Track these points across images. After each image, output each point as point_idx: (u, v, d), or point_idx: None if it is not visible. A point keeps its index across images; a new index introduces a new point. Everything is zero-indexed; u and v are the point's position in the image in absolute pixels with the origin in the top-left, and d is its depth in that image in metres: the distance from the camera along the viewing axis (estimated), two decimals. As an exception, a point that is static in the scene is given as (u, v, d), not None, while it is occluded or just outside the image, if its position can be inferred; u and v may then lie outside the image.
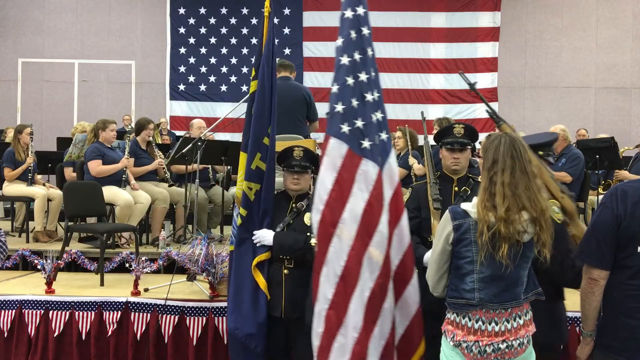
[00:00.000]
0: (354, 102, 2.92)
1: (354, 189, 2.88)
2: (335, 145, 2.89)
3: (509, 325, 2.47)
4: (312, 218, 2.98)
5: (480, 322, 2.47)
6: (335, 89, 2.95)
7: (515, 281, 2.49)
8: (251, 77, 3.78)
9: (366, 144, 2.90)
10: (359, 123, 2.91)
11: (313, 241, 3.17)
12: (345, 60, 2.95)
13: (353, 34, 2.98)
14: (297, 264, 3.55)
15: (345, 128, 2.89)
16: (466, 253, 2.49)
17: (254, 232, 3.60)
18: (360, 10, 3.01)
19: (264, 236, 3.57)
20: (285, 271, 3.56)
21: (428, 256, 2.98)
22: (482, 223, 2.43)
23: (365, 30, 3.00)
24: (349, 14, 3.00)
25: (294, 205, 3.67)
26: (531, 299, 2.57)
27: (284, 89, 5.63)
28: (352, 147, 2.89)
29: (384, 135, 3.00)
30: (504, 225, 2.40)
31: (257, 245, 3.59)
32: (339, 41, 3.00)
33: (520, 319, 2.49)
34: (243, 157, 3.69)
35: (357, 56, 2.96)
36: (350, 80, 2.93)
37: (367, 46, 3.00)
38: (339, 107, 2.91)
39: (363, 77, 2.95)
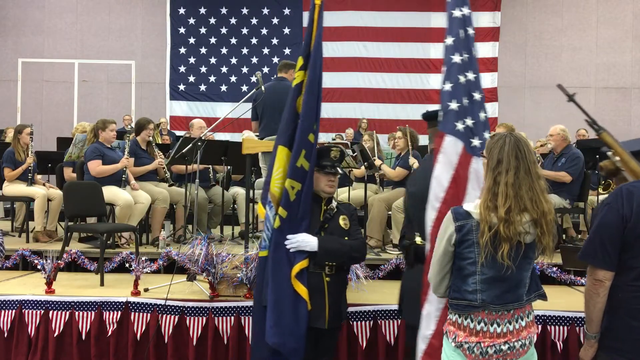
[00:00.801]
0: (465, 101, 2.97)
1: (468, 187, 2.91)
2: (452, 142, 2.92)
3: (511, 326, 2.46)
4: (427, 216, 2.90)
5: (482, 324, 2.46)
6: (448, 87, 2.98)
7: (518, 282, 2.47)
8: (297, 67, 3.48)
9: (476, 142, 2.94)
10: (469, 121, 2.95)
11: (418, 240, 3.05)
12: (457, 58, 3.00)
13: (462, 33, 3.04)
14: (336, 270, 3.39)
15: (459, 126, 2.93)
16: (468, 254, 2.47)
17: (290, 237, 3.29)
18: (465, 11, 3.07)
19: (307, 241, 3.27)
20: (327, 279, 3.34)
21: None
22: (483, 223, 2.42)
23: (470, 31, 3.07)
24: (457, 13, 3.06)
25: (325, 207, 3.48)
26: (534, 300, 2.55)
27: (278, 90, 5.64)
28: (465, 144, 2.93)
29: (487, 135, 3.02)
30: (504, 225, 2.38)
31: (293, 250, 3.28)
32: (449, 40, 3.04)
33: (522, 320, 2.48)
34: (283, 152, 3.37)
35: (465, 55, 3.02)
36: (462, 79, 2.99)
37: (472, 46, 3.07)
38: (453, 105, 2.95)
39: (471, 76, 3.01)
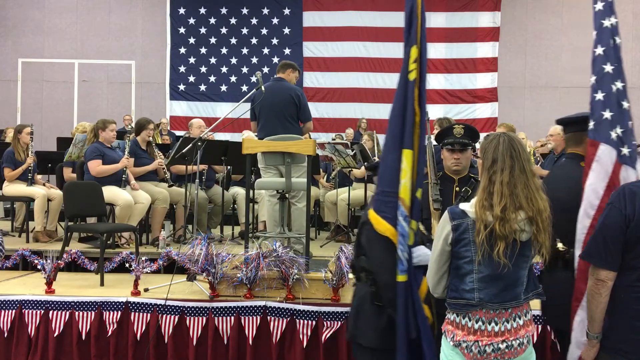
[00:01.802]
0: (616, 110, 3.05)
1: None
2: (607, 151, 2.98)
3: (508, 325, 2.47)
4: (580, 223, 2.90)
5: (480, 322, 2.47)
6: (600, 96, 3.07)
7: (515, 281, 2.48)
8: (412, 59, 3.06)
9: (625, 151, 2.98)
10: (619, 130, 3.01)
11: (560, 245, 2.98)
12: (608, 68, 3.11)
13: (612, 43, 3.17)
14: None
15: (613, 135, 2.99)
16: (465, 253, 2.48)
17: (414, 250, 2.88)
18: (613, 20, 3.21)
19: (427, 254, 2.83)
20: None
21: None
22: (479, 222, 2.44)
23: (618, 40, 3.20)
24: (607, 23, 3.22)
25: None
26: (531, 299, 2.56)
27: (275, 91, 5.63)
28: (617, 153, 2.98)
29: (634, 143, 3.07)
30: (499, 224, 2.40)
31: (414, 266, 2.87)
32: (599, 50, 3.18)
33: (520, 319, 2.49)
34: (409, 156, 2.93)
35: (615, 65, 3.14)
36: (614, 88, 3.07)
37: (619, 55, 3.19)
38: (607, 114, 3.02)
39: (619, 85, 3.09)
